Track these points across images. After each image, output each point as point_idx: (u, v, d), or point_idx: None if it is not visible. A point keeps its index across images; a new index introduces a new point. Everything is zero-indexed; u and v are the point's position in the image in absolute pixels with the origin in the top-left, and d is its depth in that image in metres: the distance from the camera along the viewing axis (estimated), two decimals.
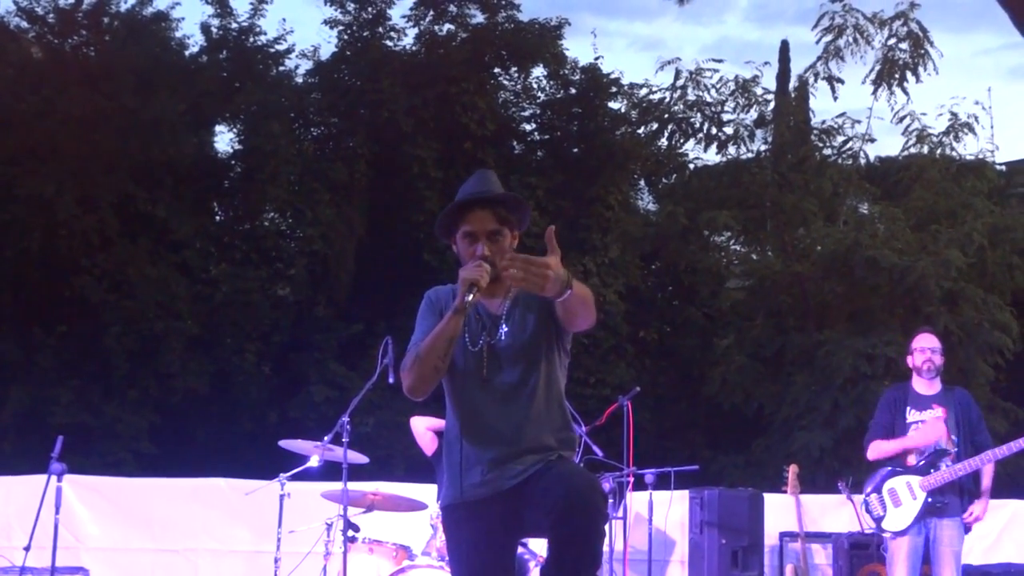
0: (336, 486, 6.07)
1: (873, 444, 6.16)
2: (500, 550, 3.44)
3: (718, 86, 14.90)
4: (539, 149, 17.86)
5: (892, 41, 14.41)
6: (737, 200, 14.85)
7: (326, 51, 17.03)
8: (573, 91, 17.37)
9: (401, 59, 16.65)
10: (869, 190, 15.74)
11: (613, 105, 17.10)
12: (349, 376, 14.22)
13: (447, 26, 17.04)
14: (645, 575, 7.48)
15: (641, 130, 16.33)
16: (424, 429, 6.60)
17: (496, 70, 17.41)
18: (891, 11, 14.39)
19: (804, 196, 14.61)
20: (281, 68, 16.90)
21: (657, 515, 7.54)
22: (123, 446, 13.84)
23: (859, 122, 14.93)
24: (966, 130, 14.73)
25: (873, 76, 14.47)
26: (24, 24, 16.10)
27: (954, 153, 14.98)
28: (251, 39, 16.70)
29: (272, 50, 16.76)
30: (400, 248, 15.94)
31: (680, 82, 14.96)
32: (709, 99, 15.01)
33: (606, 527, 3.31)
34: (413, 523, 6.83)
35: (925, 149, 15.02)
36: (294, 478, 6.60)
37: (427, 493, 6.94)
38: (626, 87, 16.64)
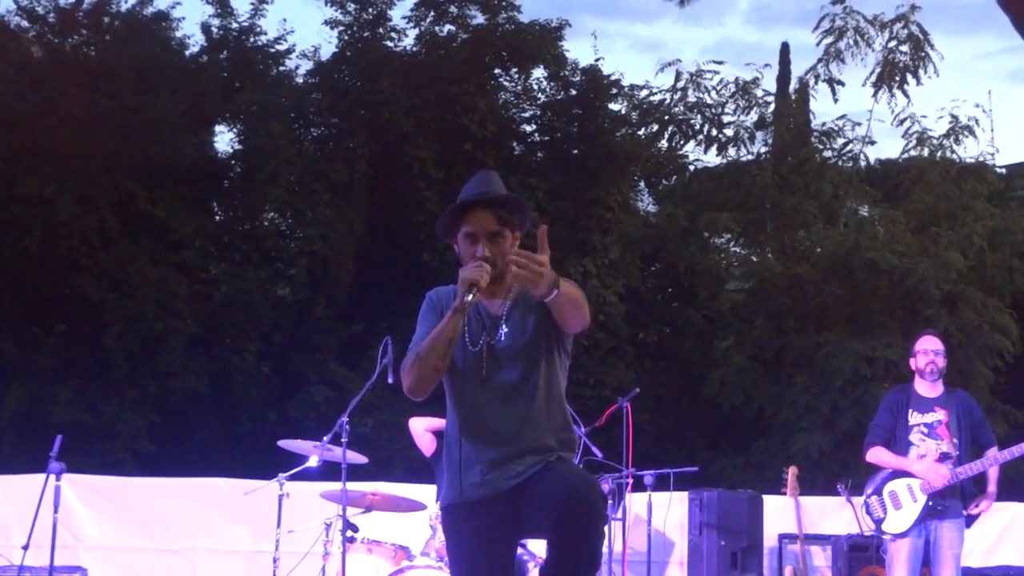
0: (335, 486, 6.06)
1: (874, 450, 6.11)
2: (500, 551, 3.43)
3: (718, 88, 14.97)
4: (539, 150, 17.87)
5: (893, 43, 14.44)
6: (737, 202, 14.87)
7: (326, 51, 17.11)
8: (573, 92, 17.37)
9: (401, 60, 16.66)
10: (869, 192, 15.75)
11: (613, 106, 17.17)
12: (349, 376, 14.23)
13: (447, 27, 17.08)
14: None
15: (641, 132, 16.37)
16: (423, 430, 6.58)
17: (496, 71, 17.43)
18: (892, 13, 14.44)
19: (804, 198, 14.63)
20: (281, 68, 16.93)
21: (656, 516, 7.53)
22: (122, 445, 13.85)
23: (859, 124, 14.99)
24: (966, 133, 14.75)
25: (873, 78, 14.50)
26: (24, 23, 16.15)
27: (954, 156, 14.98)
28: (251, 39, 16.73)
29: (272, 50, 16.80)
30: (400, 248, 15.95)
31: (680, 84, 15.03)
32: (709, 101, 15.08)
33: (605, 528, 3.31)
34: (412, 523, 6.81)
35: (925, 152, 15.03)
36: (293, 478, 6.59)
37: (426, 493, 6.94)
38: (626, 89, 16.71)
